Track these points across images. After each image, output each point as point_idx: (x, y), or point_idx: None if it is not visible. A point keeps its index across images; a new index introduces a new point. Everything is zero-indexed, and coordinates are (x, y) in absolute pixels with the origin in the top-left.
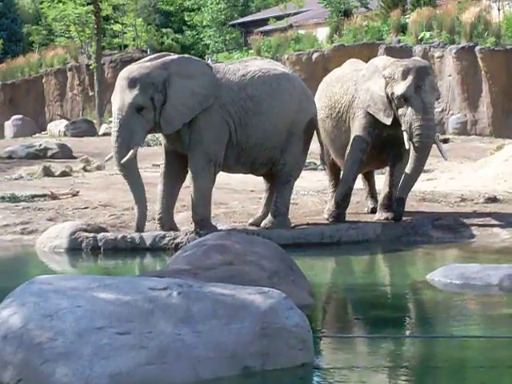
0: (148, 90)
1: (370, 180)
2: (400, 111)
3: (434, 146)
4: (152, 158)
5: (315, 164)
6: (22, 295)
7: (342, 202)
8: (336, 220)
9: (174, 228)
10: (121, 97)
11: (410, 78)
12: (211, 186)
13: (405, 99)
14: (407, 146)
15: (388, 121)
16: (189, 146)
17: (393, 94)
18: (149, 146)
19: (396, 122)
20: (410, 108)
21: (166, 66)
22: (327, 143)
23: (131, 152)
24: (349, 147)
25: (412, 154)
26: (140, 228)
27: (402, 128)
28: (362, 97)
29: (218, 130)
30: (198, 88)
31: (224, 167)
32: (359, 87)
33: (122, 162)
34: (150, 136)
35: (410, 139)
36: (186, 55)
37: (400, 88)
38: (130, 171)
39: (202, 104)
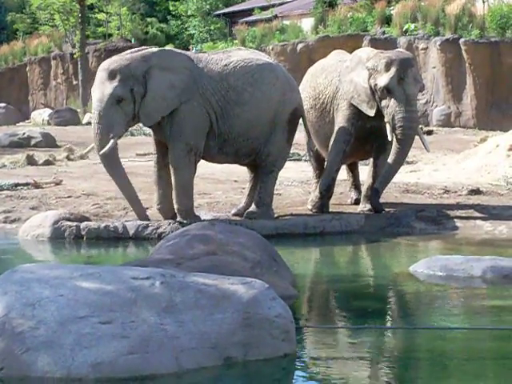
0: (128, 82)
1: (353, 171)
2: (383, 103)
3: (418, 138)
4: (135, 148)
5: (299, 155)
6: (4, 284)
7: (326, 192)
8: (319, 211)
9: (174, 216)
10: (100, 88)
11: (392, 69)
12: (192, 176)
13: (387, 91)
14: (390, 138)
15: (371, 112)
16: (169, 136)
17: (376, 85)
18: (132, 135)
19: (380, 113)
20: (392, 100)
21: (147, 58)
22: (311, 134)
23: (111, 142)
24: (332, 138)
25: (394, 145)
26: (142, 216)
27: (385, 120)
28: (345, 88)
29: (199, 120)
30: (178, 82)
31: (207, 157)
32: (343, 78)
33: (101, 152)
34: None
35: (393, 131)
36: (167, 48)
37: (383, 80)
38: (111, 162)
39: (181, 97)
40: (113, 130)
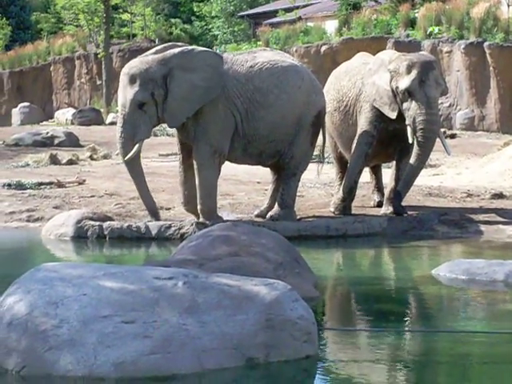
0: (148, 86)
1: (376, 174)
2: (404, 105)
3: (439, 140)
4: (158, 148)
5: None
6: (28, 282)
7: (348, 195)
8: (341, 213)
9: (197, 215)
10: (123, 93)
11: (414, 72)
12: (216, 177)
13: (409, 93)
14: (411, 140)
15: (393, 115)
16: (194, 137)
17: (397, 88)
18: (155, 135)
19: (402, 116)
20: (413, 102)
21: (167, 60)
22: (335, 136)
23: (136, 147)
24: (355, 141)
25: (415, 148)
26: (156, 216)
27: (406, 122)
28: (368, 91)
29: (224, 121)
30: (200, 81)
31: (231, 158)
32: (365, 81)
33: (126, 158)
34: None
35: (414, 133)
36: (190, 47)
37: (404, 82)
38: (134, 166)
39: (205, 97)
40: (137, 134)
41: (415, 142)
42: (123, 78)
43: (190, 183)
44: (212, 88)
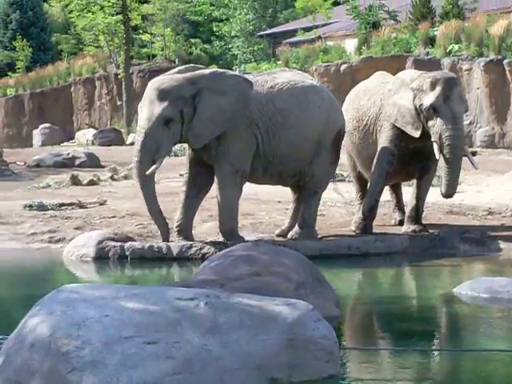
0: (178, 103)
1: (397, 192)
2: (430, 123)
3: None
4: (179, 169)
5: (342, 175)
6: (50, 304)
7: (369, 213)
8: (363, 232)
9: (189, 237)
10: (150, 107)
11: (438, 88)
12: (238, 197)
13: (434, 110)
14: (438, 157)
15: (417, 133)
16: (215, 157)
17: (421, 105)
18: (176, 155)
19: (423, 134)
20: (438, 119)
21: (197, 80)
22: (354, 155)
23: (156, 164)
24: (375, 159)
25: (444, 166)
26: (166, 239)
27: (432, 139)
28: (388, 111)
29: (246, 142)
30: (227, 105)
31: (252, 178)
32: (385, 102)
33: (147, 173)
34: (177, 146)
35: (441, 150)
36: (220, 70)
37: (429, 99)
38: (146, 182)
39: (230, 121)
40: (158, 151)
41: (443, 160)
42: (151, 93)
43: (191, 203)
44: (238, 112)
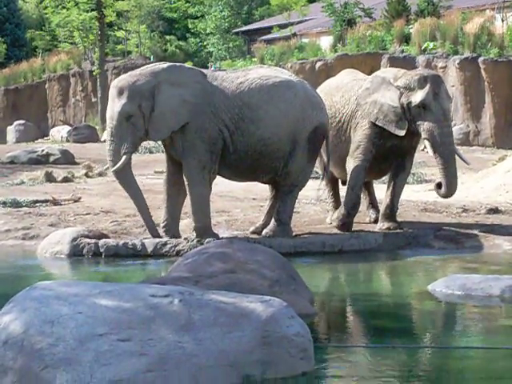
0: (135, 98)
1: (369, 189)
2: (418, 120)
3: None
4: (154, 165)
5: (317, 173)
6: (23, 301)
7: (353, 210)
8: (345, 229)
9: (177, 236)
10: (111, 106)
11: (427, 85)
12: (208, 193)
13: (424, 107)
14: (431, 153)
15: (401, 132)
16: (182, 153)
17: (409, 103)
18: (151, 152)
19: (407, 132)
20: (429, 116)
21: (155, 74)
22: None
23: (123, 159)
24: (351, 157)
25: (440, 163)
26: (154, 234)
27: (423, 136)
28: (367, 109)
29: (211, 137)
30: (189, 96)
31: (226, 175)
32: (362, 101)
33: (114, 169)
34: (152, 143)
35: (433, 147)
36: (177, 63)
37: (418, 96)
38: (125, 178)
39: (192, 113)
40: (125, 146)
41: (438, 157)
42: (112, 91)
43: (172, 202)
44: (199, 105)
